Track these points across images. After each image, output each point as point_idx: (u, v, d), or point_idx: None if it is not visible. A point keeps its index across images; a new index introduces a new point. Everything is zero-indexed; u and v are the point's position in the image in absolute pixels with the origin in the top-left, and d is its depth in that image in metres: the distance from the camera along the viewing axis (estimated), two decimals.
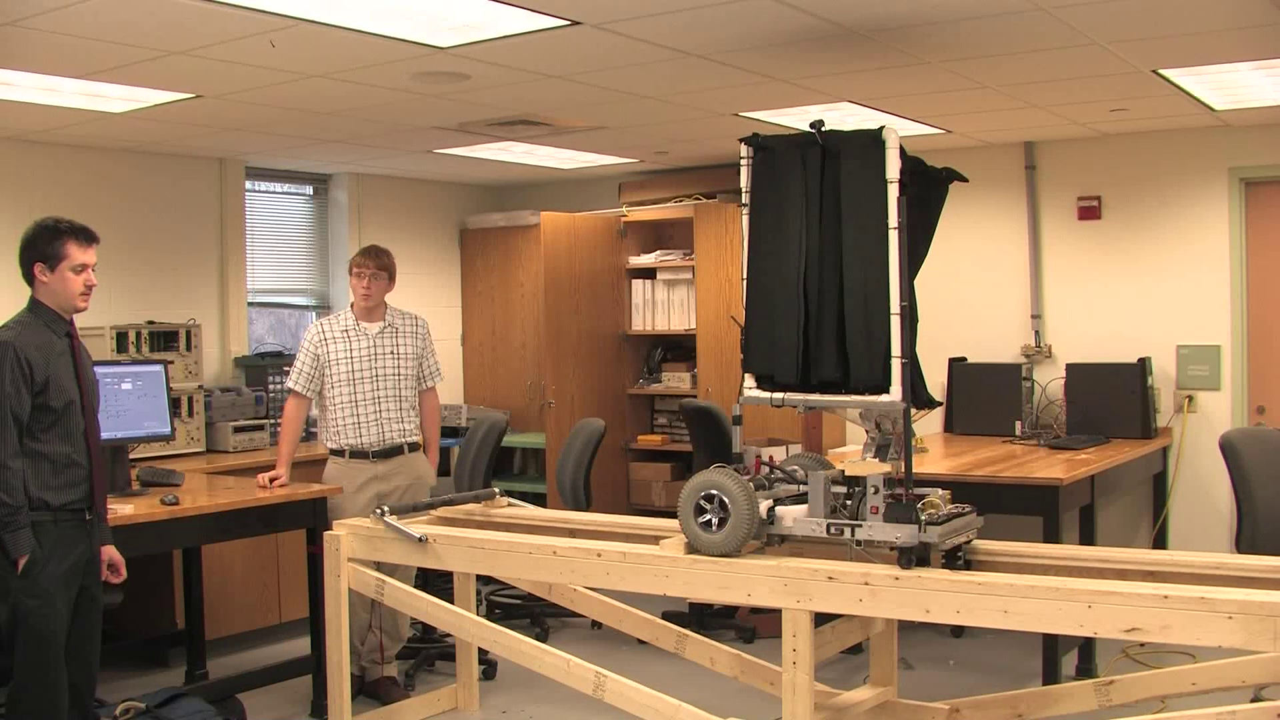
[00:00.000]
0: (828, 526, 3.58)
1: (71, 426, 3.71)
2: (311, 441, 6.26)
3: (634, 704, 3.76)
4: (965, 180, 3.87)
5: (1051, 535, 4.85)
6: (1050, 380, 6.43)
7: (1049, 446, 5.79)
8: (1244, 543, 4.54)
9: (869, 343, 3.59)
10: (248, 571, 5.94)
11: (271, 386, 6.49)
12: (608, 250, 7.74)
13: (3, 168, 5.82)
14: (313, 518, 4.89)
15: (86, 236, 3.77)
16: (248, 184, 6.97)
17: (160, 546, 5.05)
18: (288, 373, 5.42)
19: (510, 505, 4.88)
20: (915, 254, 3.70)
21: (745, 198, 3.82)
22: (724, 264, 7.16)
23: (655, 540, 3.91)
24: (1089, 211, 6.46)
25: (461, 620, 4.31)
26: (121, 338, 5.83)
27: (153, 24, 3.79)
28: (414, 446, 5.24)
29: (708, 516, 3.64)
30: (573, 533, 4.40)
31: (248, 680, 5.08)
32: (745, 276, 3.83)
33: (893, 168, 3.51)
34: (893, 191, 3.52)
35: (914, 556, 3.42)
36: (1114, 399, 6.05)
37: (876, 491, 3.51)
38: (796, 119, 5.52)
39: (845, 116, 5.48)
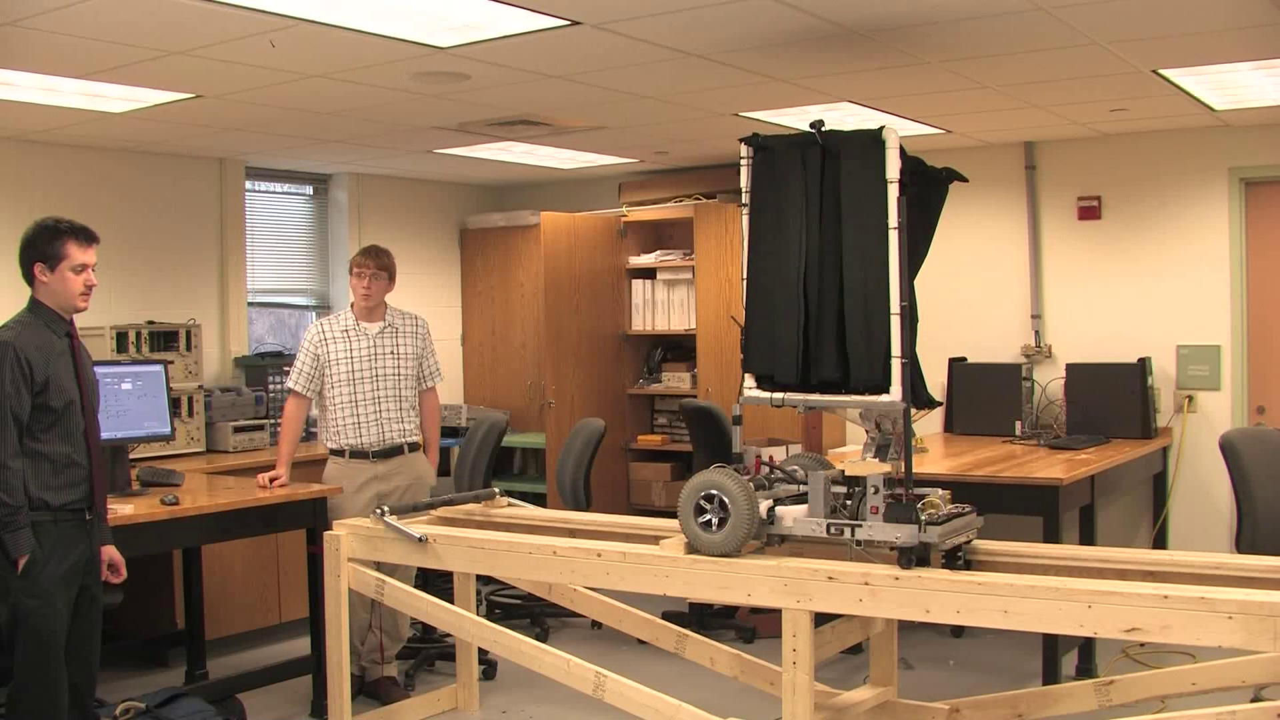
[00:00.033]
0: (828, 526, 3.58)
1: (71, 426, 3.71)
2: (311, 441, 6.26)
3: (634, 704, 3.76)
4: (965, 180, 3.87)
5: (1051, 535, 4.85)
6: (1050, 380, 6.43)
7: (1049, 446, 5.79)
8: (1244, 543, 4.54)
9: (869, 343, 3.59)
10: (248, 571, 5.94)
11: (271, 386, 6.49)
12: (608, 250, 7.73)
13: (3, 168, 5.82)
14: (313, 518, 4.89)
15: (86, 236, 3.77)
16: (248, 184, 6.97)
17: (160, 546, 5.05)
18: (288, 373, 5.42)
19: (510, 505, 4.88)
20: (915, 254, 3.70)
21: (745, 198, 3.82)
22: (724, 264, 7.16)
23: (655, 540, 3.91)
24: (1089, 211, 6.46)
25: (461, 620, 4.31)
26: (121, 338, 5.83)
27: (153, 24, 3.79)
28: (414, 446, 5.24)
29: (708, 516, 3.64)
30: (573, 533, 4.40)
31: (248, 680, 5.08)
32: (745, 276, 3.83)
33: (893, 168, 3.51)
34: (893, 191, 3.52)
35: (914, 556, 3.42)
36: (1114, 399, 6.05)
37: (876, 491, 3.51)
38: (796, 119, 5.52)
39: (845, 116, 5.48)
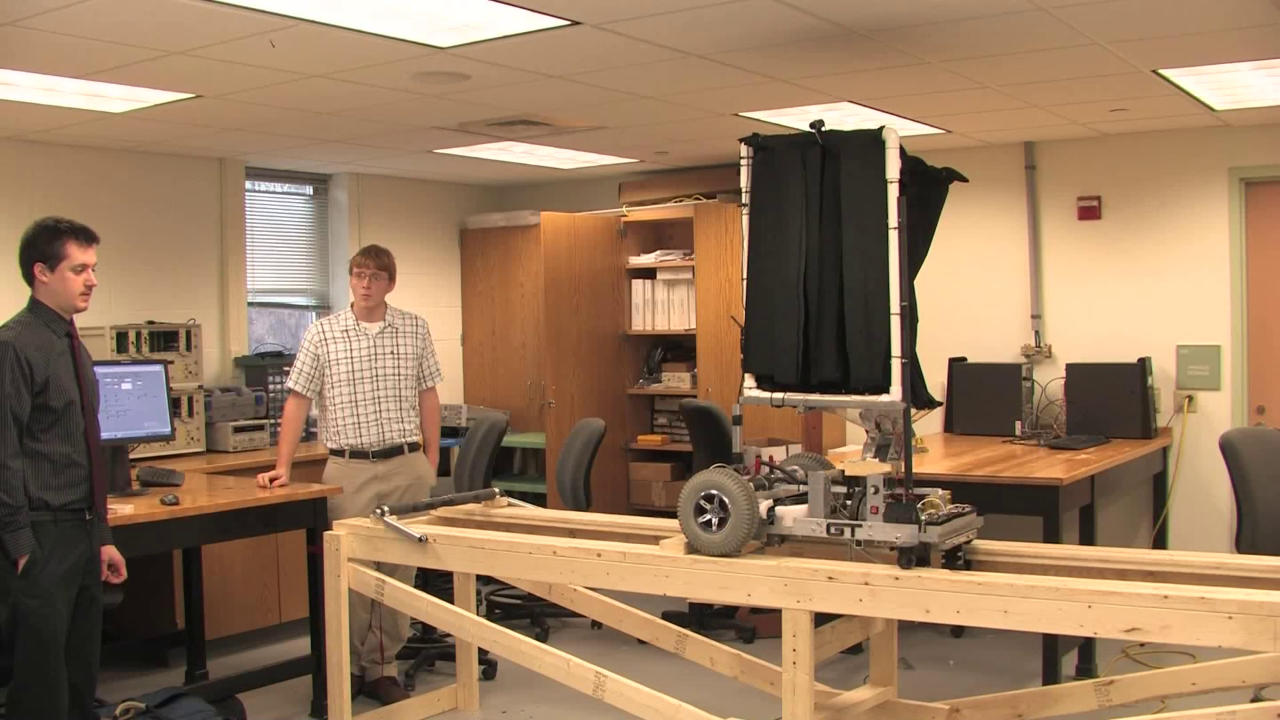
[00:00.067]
0: (828, 526, 3.58)
1: (71, 426, 3.71)
2: (311, 441, 6.26)
3: (634, 704, 3.76)
4: (965, 180, 3.87)
5: (1051, 535, 4.85)
6: (1050, 380, 6.43)
7: (1049, 446, 5.79)
8: (1244, 543, 4.54)
9: (869, 343, 3.59)
10: (248, 571, 5.94)
11: (271, 386, 6.49)
12: (608, 250, 7.73)
13: (3, 168, 5.82)
14: (313, 518, 4.89)
15: (86, 236, 3.77)
16: (248, 184, 6.97)
17: (160, 546, 5.04)
18: (287, 373, 5.42)
19: (510, 505, 4.88)
20: (915, 254, 3.70)
21: (745, 198, 3.82)
22: (724, 264, 7.16)
23: (655, 540, 3.91)
24: (1089, 211, 6.46)
25: (461, 620, 4.31)
26: (121, 338, 5.83)
27: (153, 24, 3.79)
28: (414, 446, 5.24)
29: (708, 516, 3.64)
30: (573, 533, 4.40)
31: (248, 680, 5.08)
32: (745, 276, 3.83)
33: (893, 168, 3.51)
34: (893, 191, 3.52)
35: (914, 556, 3.42)
36: (1114, 399, 6.05)
37: (876, 491, 3.51)
38: (796, 119, 5.52)
39: (845, 116, 5.48)
